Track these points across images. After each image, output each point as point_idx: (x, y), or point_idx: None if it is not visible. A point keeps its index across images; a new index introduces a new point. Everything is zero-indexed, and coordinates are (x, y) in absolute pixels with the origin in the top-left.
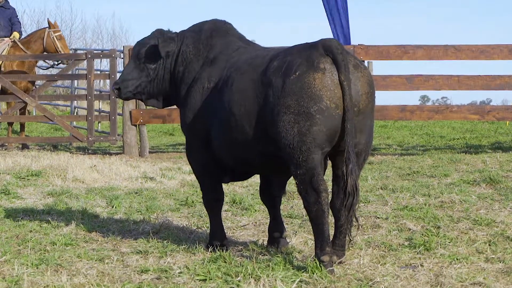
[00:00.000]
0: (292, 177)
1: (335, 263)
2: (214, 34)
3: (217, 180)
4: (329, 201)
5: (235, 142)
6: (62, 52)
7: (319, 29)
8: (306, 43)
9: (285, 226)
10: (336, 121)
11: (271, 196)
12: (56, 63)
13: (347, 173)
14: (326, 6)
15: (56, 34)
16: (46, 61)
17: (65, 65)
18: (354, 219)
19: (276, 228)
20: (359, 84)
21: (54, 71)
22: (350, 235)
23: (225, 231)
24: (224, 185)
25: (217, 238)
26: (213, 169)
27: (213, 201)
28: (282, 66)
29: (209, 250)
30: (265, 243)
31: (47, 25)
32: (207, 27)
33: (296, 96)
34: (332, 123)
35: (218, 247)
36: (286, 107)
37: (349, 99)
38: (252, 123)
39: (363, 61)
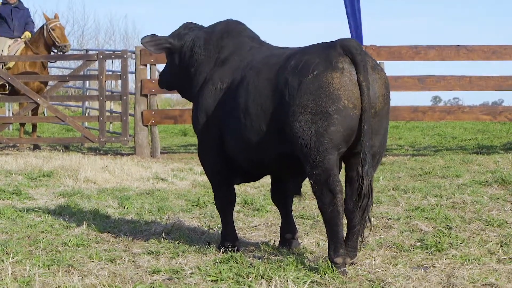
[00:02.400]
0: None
1: (347, 264)
2: (225, 35)
3: (229, 181)
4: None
5: (250, 142)
6: (59, 42)
7: (329, 29)
8: (324, 42)
9: (297, 227)
10: (353, 122)
11: (282, 197)
12: (62, 52)
13: (362, 174)
14: (348, 7)
15: (51, 25)
16: (53, 51)
17: (67, 53)
18: (367, 221)
19: (287, 229)
20: (376, 86)
21: (65, 72)
22: (363, 236)
23: (237, 231)
24: (235, 186)
25: (228, 239)
26: (225, 171)
27: (225, 203)
28: (298, 65)
29: (221, 251)
30: (277, 243)
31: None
32: (219, 28)
33: (313, 95)
34: (350, 124)
35: (230, 248)
36: (302, 107)
37: (368, 100)
38: (268, 123)
39: (378, 61)
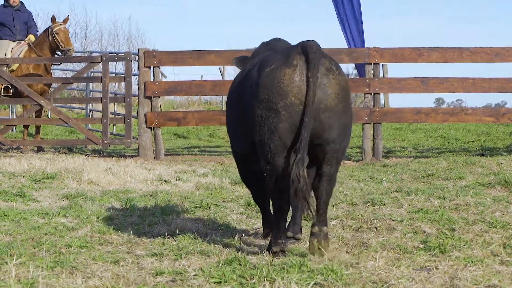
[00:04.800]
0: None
1: (285, 252)
2: (256, 51)
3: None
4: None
5: (245, 139)
6: (63, 46)
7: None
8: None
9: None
10: (300, 117)
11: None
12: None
13: (294, 161)
14: (337, 10)
15: (56, 28)
16: (58, 55)
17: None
18: (305, 207)
19: (291, 228)
20: (328, 84)
21: (69, 74)
22: (301, 220)
23: (240, 234)
24: (239, 187)
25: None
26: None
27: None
28: (263, 60)
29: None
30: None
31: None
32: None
33: (267, 90)
34: (296, 120)
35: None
36: (259, 101)
37: (312, 94)
38: (248, 118)
39: (378, 63)
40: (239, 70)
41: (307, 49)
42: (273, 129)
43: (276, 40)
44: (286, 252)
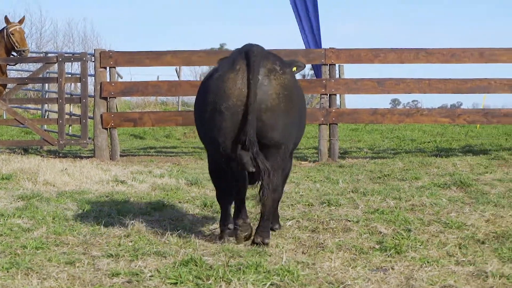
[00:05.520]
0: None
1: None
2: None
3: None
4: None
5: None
6: (18, 46)
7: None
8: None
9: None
10: (242, 117)
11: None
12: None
13: (253, 155)
14: (295, 11)
15: (11, 29)
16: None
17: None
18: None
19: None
20: (269, 85)
21: (24, 74)
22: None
23: (196, 235)
24: (195, 188)
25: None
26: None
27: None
28: (216, 67)
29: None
30: (236, 246)
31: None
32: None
33: (213, 94)
34: (238, 119)
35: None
36: (208, 104)
37: (253, 95)
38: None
39: (334, 64)
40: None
41: (249, 54)
42: (219, 127)
43: (249, 45)
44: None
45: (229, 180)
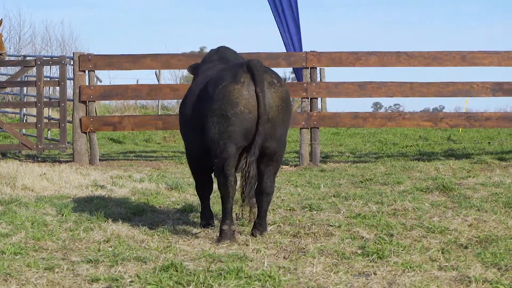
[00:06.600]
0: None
1: (234, 231)
2: (206, 58)
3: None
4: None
5: (194, 139)
6: None
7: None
8: (239, 62)
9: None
10: (249, 124)
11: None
12: None
13: (248, 162)
14: (275, 13)
15: None
16: None
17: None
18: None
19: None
20: (271, 98)
21: (2, 78)
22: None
23: (176, 239)
24: (175, 193)
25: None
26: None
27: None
28: (216, 78)
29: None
30: (217, 251)
31: None
32: (207, 55)
33: (219, 102)
34: (245, 125)
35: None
36: (212, 110)
37: (263, 107)
38: (199, 123)
39: (315, 67)
40: (192, 76)
41: (252, 68)
42: (223, 130)
43: (225, 49)
44: (234, 231)
45: (208, 173)
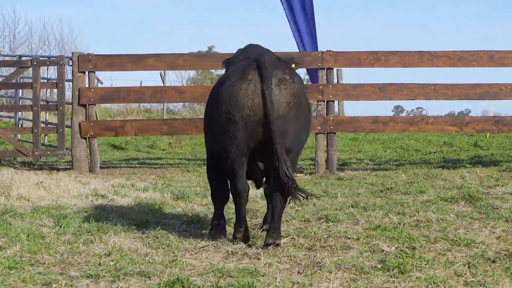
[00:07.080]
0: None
1: (249, 238)
2: (234, 57)
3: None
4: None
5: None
6: None
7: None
8: (252, 58)
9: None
10: (254, 126)
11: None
12: None
13: (280, 164)
14: (288, 12)
15: None
16: None
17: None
18: (299, 197)
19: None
20: (281, 94)
21: None
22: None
23: (182, 252)
24: (181, 203)
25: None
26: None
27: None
28: (226, 75)
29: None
30: (227, 265)
31: None
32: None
33: (226, 103)
34: (251, 128)
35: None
36: (221, 113)
37: (271, 105)
38: (213, 125)
39: (332, 68)
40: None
41: (260, 65)
42: (232, 136)
43: (253, 47)
44: (249, 237)
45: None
